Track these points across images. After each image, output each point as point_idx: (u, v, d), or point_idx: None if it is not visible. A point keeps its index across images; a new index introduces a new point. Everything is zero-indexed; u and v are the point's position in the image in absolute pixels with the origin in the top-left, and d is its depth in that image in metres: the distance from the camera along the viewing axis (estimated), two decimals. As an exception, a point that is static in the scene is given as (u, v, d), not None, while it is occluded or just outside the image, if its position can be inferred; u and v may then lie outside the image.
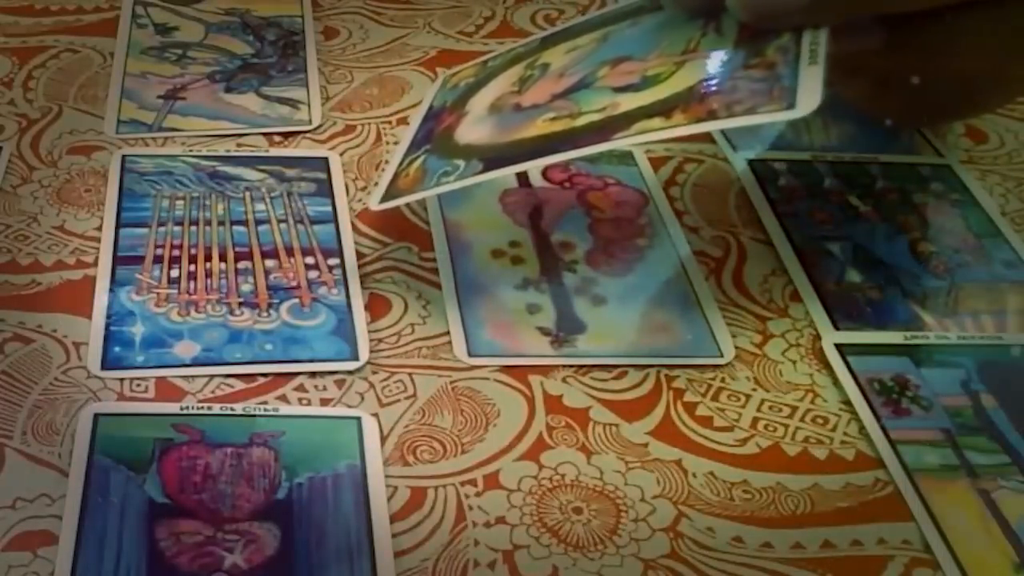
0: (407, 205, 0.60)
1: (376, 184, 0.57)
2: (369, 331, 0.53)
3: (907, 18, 0.54)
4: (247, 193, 0.60)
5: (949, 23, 0.54)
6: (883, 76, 0.59)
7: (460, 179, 0.52)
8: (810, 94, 0.48)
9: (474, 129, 0.55)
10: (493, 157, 0.52)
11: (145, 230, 0.57)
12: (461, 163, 0.53)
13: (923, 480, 0.47)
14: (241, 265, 0.55)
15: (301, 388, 0.50)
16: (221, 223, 0.58)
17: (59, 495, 0.45)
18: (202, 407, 0.49)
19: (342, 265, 0.56)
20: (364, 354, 0.51)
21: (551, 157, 0.52)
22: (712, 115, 0.49)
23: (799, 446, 0.49)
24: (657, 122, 0.49)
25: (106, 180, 0.60)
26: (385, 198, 0.55)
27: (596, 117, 0.51)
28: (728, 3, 0.51)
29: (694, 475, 0.48)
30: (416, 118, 0.60)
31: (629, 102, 0.51)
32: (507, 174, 0.53)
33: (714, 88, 0.49)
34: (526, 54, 0.58)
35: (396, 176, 0.56)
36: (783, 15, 0.50)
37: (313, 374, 0.51)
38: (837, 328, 0.54)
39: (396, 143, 0.60)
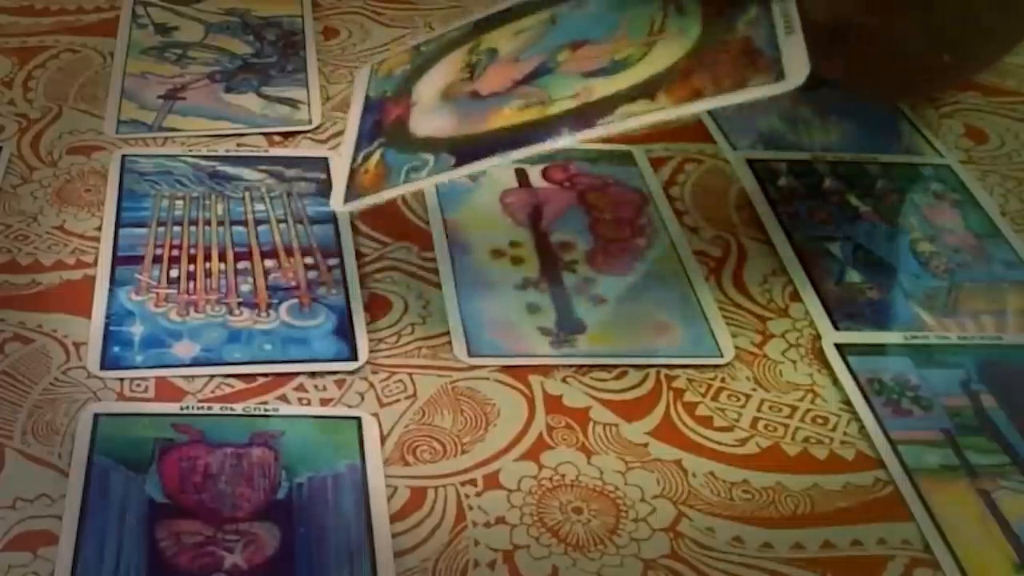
0: (406, 205, 0.60)
1: (333, 185, 0.55)
2: (369, 331, 0.53)
3: None
4: (247, 193, 0.60)
5: None
6: (859, 49, 0.59)
7: (434, 174, 0.51)
8: (797, 63, 0.47)
9: (431, 120, 0.53)
10: (465, 150, 0.51)
11: (145, 230, 0.57)
12: (430, 157, 0.51)
13: (923, 480, 0.47)
14: (241, 265, 0.55)
15: (301, 388, 0.50)
16: (221, 223, 0.58)
17: (59, 495, 0.45)
18: (202, 407, 0.48)
19: (342, 265, 0.56)
20: (364, 354, 0.51)
21: (530, 148, 0.50)
22: (699, 94, 0.48)
23: (799, 446, 0.49)
24: (641, 105, 0.48)
25: (106, 180, 0.60)
26: (349, 198, 0.53)
27: (571, 104, 0.50)
28: None
29: (694, 475, 0.48)
30: (354, 110, 0.57)
31: (604, 87, 0.50)
32: (484, 168, 0.51)
33: (695, 67, 0.49)
34: (462, 39, 0.56)
35: (354, 173, 0.54)
36: None
37: (313, 374, 0.51)
38: (837, 328, 0.54)
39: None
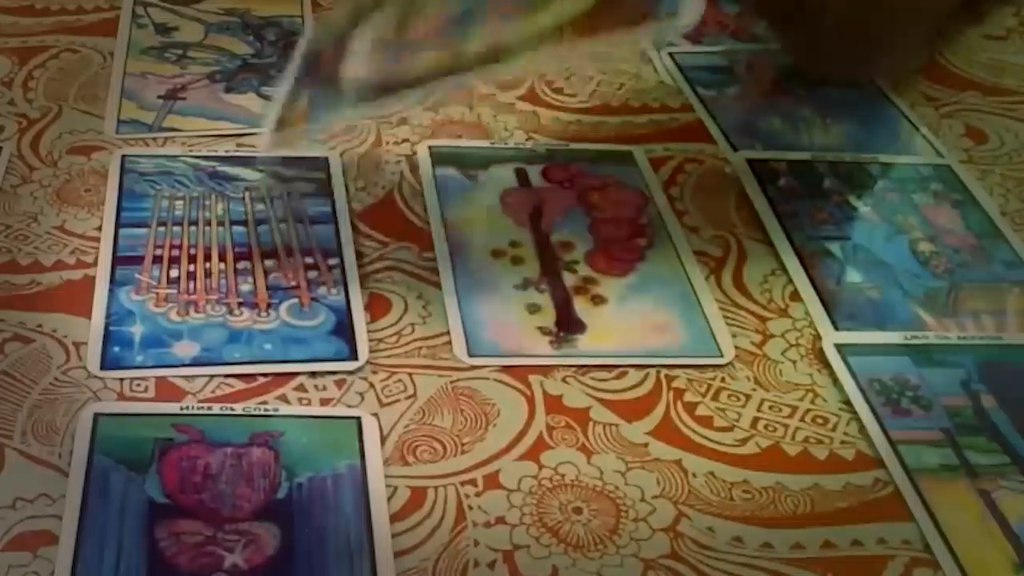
0: (406, 205, 0.60)
1: (268, 129, 0.57)
2: (369, 331, 0.53)
3: None
4: (247, 193, 0.60)
5: None
6: (815, 25, 0.59)
7: (349, 111, 0.55)
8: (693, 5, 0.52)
9: (359, 65, 0.55)
10: (380, 87, 0.54)
11: (145, 230, 0.57)
12: (351, 97, 0.54)
13: (923, 480, 0.47)
14: (240, 265, 0.55)
15: (301, 388, 0.50)
16: (221, 223, 0.58)
17: (59, 495, 0.45)
18: (202, 407, 0.48)
19: (342, 265, 0.56)
20: (364, 354, 0.51)
21: (440, 84, 0.54)
22: (597, 33, 0.53)
23: (799, 446, 0.49)
24: (546, 47, 0.53)
25: (106, 180, 0.60)
26: (276, 139, 0.56)
27: (481, 47, 0.52)
28: None
29: (694, 475, 0.48)
30: (295, 60, 0.58)
31: (513, 30, 0.53)
32: (395, 107, 0.56)
33: (599, 11, 0.53)
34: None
35: (283, 116, 0.56)
36: None
37: (313, 374, 0.51)
38: (837, 328, 0.54)
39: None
